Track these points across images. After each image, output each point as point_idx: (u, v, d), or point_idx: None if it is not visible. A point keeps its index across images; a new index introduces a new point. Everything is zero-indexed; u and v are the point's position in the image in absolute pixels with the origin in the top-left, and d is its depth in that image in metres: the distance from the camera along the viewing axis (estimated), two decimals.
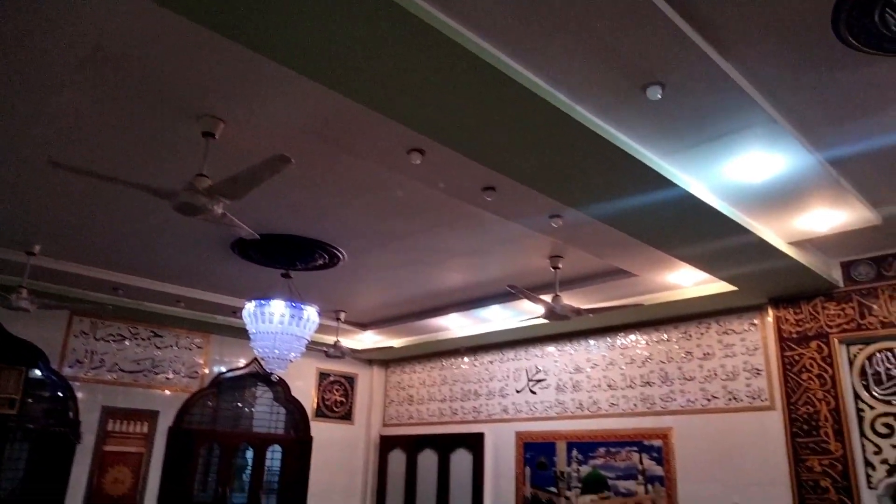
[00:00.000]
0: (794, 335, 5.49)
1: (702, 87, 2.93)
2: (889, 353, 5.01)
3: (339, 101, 2.95)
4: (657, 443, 6.37)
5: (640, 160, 3.40)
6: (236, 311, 6.10)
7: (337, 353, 7.32)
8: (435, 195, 4.36)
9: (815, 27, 2.65)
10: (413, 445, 8.82)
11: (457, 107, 2.92)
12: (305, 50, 2.55)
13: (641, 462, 6.44)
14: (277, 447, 8.69)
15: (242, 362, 8.43)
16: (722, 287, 5.62)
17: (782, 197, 4.08)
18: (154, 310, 7.32)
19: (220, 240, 5.48)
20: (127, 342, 7.66)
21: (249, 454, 8.74)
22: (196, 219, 3.67)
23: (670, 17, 2.51)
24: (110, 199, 4.74)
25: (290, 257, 5.71)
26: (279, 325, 5.61)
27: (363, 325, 8.42)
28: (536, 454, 7.39)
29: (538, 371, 7.71)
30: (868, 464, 4.94)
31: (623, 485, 6.52)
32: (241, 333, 6.27)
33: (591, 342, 7.24)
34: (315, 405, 9.07)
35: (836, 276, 5.32)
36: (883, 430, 4.92)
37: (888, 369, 4.99)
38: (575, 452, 7.01)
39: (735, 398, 5.96)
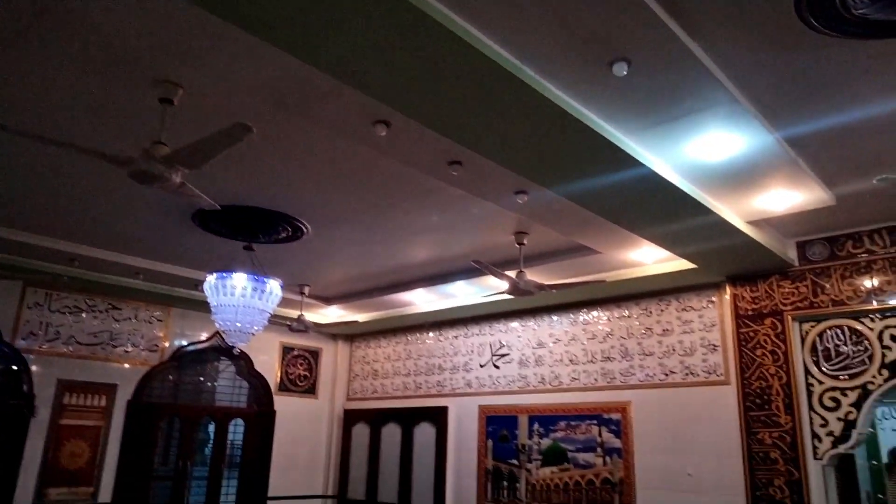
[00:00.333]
0: (750, 312, 5.65)
1: (667, 64, 2.95)
2: (838, 331, 5.20)
3: (304, 70, 2.89)
4: (616, 416, 6.52)
5: (605, 137, 3.41)
6: (198, 285, 5.99)
7: (300, 326, 7.27)
8: (401, 169, 4.32)
9: (779, 8, 2.67)
10: (377, 419, 8.86)
11: (420, 78, 2.87)
12: (270, 17, 2.48)
13: (601, 435, 6.59)
14: (240, 421, 8.64)
15: (204, 336, 8.32)
16: (682, 265, 5.74)
17: (741, 176, 4.16)
18: (112, 282, 7.13)
19: (181, 210, 5.34)
20: (84, 314, 7.47)
21: (211, 428, 8.68)
22: (153, 188, 3.57)
23: None
24: (65, 167, 4.57)
25: (252, 230, 5.63)
26: (241, 299, 5.53)
27: (327, 300, 8.37)
28: (498, 427, 7.50)
29: (502, 346, 7.79)
30: (815, 436, 5.15)
31: (582, 457, 6.67)
32: (203, 307, 6.17)
33: (554, 318, 7.33)
34: (279, 379, 9.02)
35: (792, 255, 5.47)
36: (830, 404, 5.12)
37: (837, 346, 5.18)
38: (536, 426, 7.14)
39: (692, 373, 6.12)
